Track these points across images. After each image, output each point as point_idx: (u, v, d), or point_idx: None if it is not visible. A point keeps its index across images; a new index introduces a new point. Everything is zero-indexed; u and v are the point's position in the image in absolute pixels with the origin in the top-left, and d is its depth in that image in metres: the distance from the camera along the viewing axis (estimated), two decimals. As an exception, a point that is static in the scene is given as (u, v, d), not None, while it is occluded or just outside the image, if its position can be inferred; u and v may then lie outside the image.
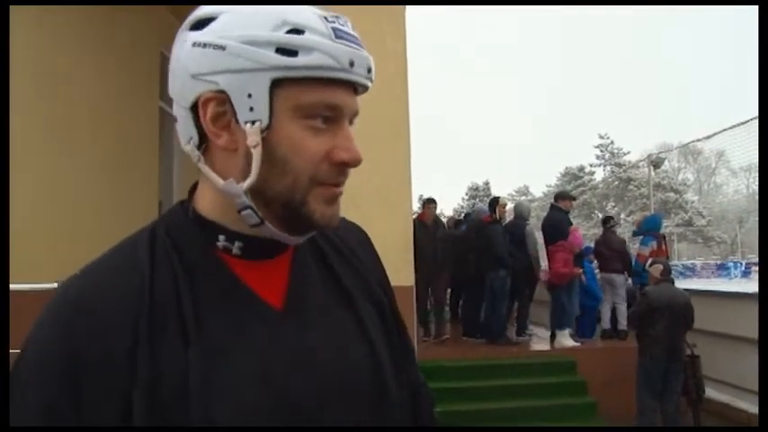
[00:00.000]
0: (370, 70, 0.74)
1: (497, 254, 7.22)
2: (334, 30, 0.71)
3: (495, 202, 7.80)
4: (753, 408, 6.18)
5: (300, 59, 0.69)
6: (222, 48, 0.70)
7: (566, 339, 7.35)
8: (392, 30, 4.90)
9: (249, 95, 0.70)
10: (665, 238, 8.24)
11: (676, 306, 5.38)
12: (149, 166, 5.74)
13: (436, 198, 8.22)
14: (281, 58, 0.69)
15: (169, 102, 0.78)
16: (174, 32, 0.78)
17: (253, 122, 0.70)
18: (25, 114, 3.63)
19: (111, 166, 4.94)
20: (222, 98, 0.71)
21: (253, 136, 0.70)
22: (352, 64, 0.71)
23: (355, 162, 0.74)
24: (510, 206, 8.82)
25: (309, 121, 0.71)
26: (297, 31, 0.70)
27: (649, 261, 6.41)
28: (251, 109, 0.70)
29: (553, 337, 7.53)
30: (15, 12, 3.09)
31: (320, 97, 0.71)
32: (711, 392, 6.66)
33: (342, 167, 0.74)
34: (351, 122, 0.76)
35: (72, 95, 4.38)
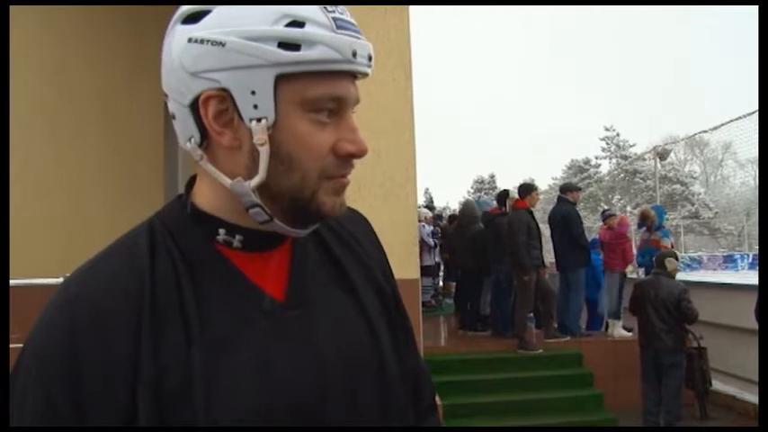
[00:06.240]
0: (370, 58, 0.72)
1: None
2: (334, 20, 0.69)
3: (504, 195, 7.74)
4: (760, 400, 6.16)
5: (304, 54, 0.67)
6: (221, 44, 0.67)
7: (618, 330, 7.33)
8: (395, 23, 4.87)
9: (253, 92, 0.68)
10: None
11: (658, 298, 5.40)
12: (154, 159, 5.75)
13: (441, 191, 8.16)
14: (283, 53, 0.66)
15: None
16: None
17: (258, 120, 0.68)
18: (31, 108, 3.64)
19: (116, 160, 4.95)
20: (223, 95, 0.69)
21: (259, 134, 0.68)
22: (354, 54, 0.69)
23: (362, 153, 0.73)
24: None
25: (315, 115, 0.70)
26: (297, 23, 0.67)
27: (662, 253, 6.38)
28: (255, 106, 0.68)
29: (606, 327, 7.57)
30: (18, 7, 3.09)
31: (325, 90, 0.69)
32: (718, 384, 6.64)
33: (348, 159, 0.73)
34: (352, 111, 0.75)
35: (77, 89, 4.38)
